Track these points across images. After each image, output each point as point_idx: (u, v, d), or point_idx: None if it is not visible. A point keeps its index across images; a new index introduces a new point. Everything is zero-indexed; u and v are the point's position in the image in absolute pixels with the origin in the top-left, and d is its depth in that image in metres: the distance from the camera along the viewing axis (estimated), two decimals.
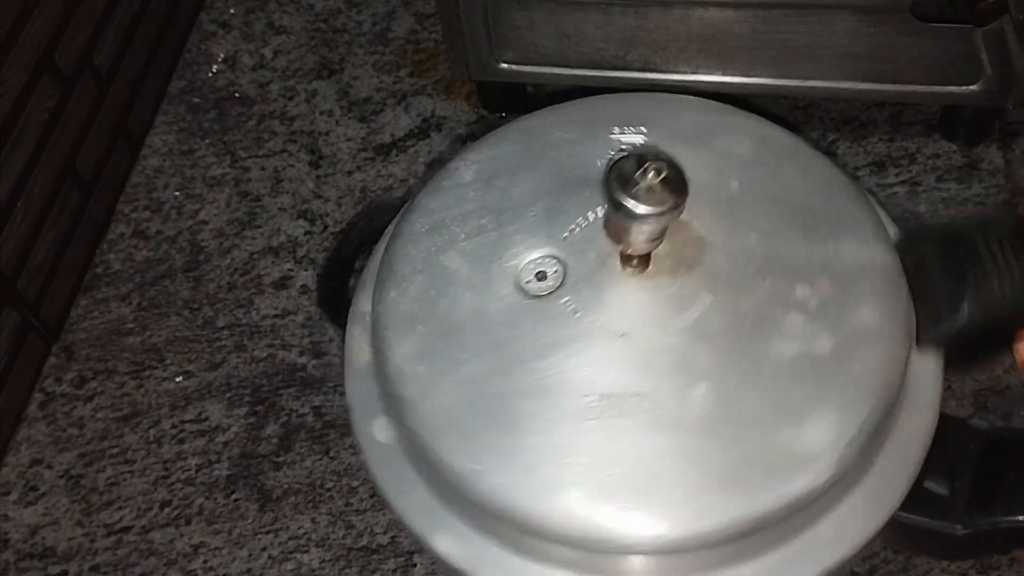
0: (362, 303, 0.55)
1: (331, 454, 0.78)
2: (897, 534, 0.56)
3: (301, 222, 0.92)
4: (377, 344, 0.50)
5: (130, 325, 0.87)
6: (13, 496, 0.78)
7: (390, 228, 0.57)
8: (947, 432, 0.57)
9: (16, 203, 0.81)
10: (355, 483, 0.77)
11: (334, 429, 0.79)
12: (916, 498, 0.54)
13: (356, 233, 0.69)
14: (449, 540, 0.48)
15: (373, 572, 0.73)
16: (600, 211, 0.50)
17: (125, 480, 0.78)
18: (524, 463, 0.45)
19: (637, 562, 0.47)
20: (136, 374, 0.84)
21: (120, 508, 0.77)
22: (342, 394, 0.81)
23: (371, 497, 0.76)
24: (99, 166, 0.92)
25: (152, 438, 0.80)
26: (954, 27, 0.79)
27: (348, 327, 0.56)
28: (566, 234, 0.50)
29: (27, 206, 0.82)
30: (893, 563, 0.70)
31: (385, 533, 0.74)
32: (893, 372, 0.48)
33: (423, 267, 0.51)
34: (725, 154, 0.53)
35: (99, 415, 0.82)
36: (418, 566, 0.73)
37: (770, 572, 0.47)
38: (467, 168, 0.54)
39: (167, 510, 0.77)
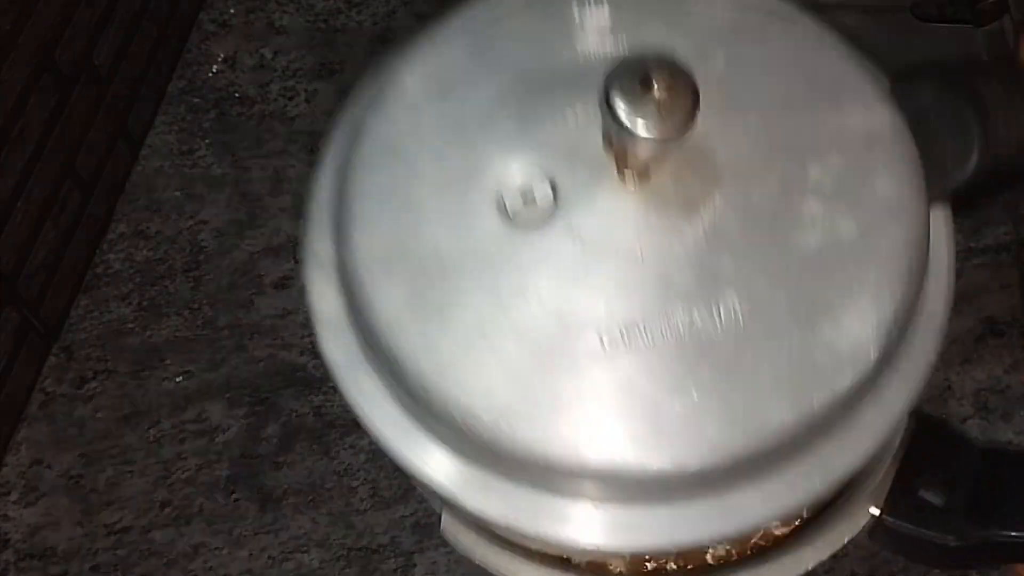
0: (316, 243, 0.48)
1: (331, 454, 0.78)
2: (891, 541, 0.56)
3: (302, 222, 0.92)
4: (353, 297, 0.45)
5: (130, 325, 0.87)
6: (13, 496, 0.78)
7: (327, 156, 0.50)
8: (947, 443, 0.58)
9: (16, 203, 0.81)
10: (355, 483, 0.77)
11: (334, 429, 0.79)
12: (911, 507, 0.55)
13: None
14: (489, 498, 0.44)
15: (373, 572, 0.73)
16: (580, 111, 0.43)
17: (125, 480, 0.78)
18: (556, 410, 0.41)
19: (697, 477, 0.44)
20: (136, 374, 0.84)
21: (120, 508, 0.77)
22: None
23: (371, 497, 0.76)
24: (99, 166, 0.92)
25: (152, 438, 0.80)
26: (954, 27, 0.79)
27: (305, 273, 0.49)
28: (547, 146, 0.43)
29: (27, 206, 0.82)
30: (893, 563, 0.70)
31: (385, 533, 0.74)
32: (920, 243, 0.45)
33: (387, 202, 0.45)
34: (702, 26, 0.47)
35: (99, 415, 0.82)
36: (418, 566, 0.73)
37: (820, 465, 0.45)
38: (413, 80, 0.47)
39: (167, 510, 0.77)
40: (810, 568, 0.53)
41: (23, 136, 0.81)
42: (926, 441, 0.57)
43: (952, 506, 0.54)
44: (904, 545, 0.56)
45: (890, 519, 0.54)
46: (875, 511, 0.55)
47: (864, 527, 0.54)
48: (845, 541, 0.53)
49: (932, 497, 0.55)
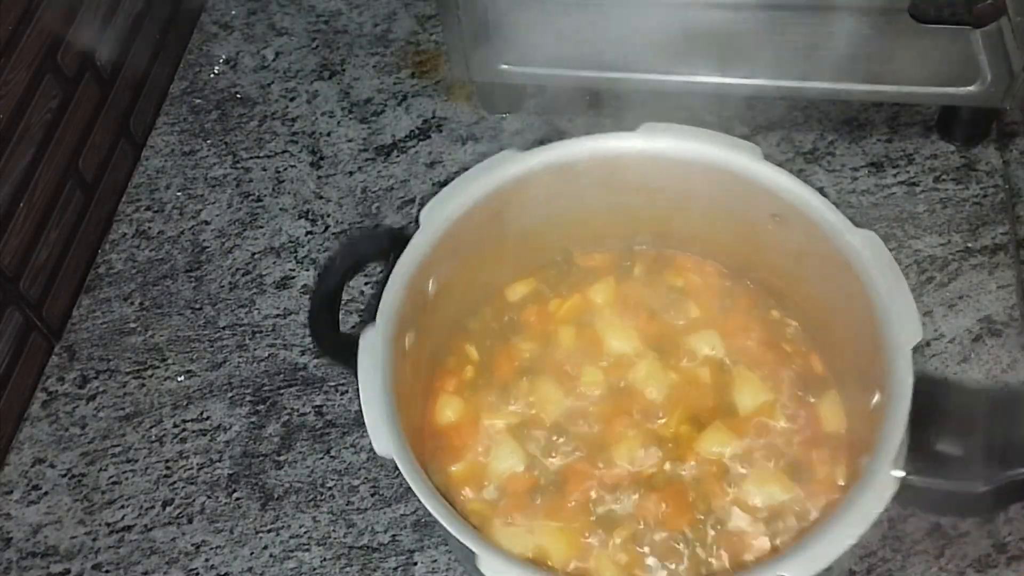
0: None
1: (332, 453, 0.78)
2: (921, 500, 0.56)
3: (302, 222, 0.92)
4: None
5: (132, 325, 0.87)
6: (15, 495, 0.78)
7: None
8: (950, 395, 0.58)
9: (19, 203, 0.81)
10: (356, 482, 0.77)
11: (335, 428, 0.80)
12: (932, 462, 0.55)
13: (338, 266, 0.69)
14: None
15: (374, 571, 0.73)
16: None
17: (127, 479, 0.79)
18: None
19: None
20: (138, 373, 0.84)
21: (122, 507, 0.77)
22: (343, 393, 0.81)
23: (372, 496, 0.76)
24: (101, 167, 0.93)
25: (154, 437, 0.81)
26: (952, 28, 0.79)
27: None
28: None
29: (30, 206, 0.82)
30: (891, 562, 0.70)
31: (386, 532, 0.75)
32: None
33: None
34: None
35: (101, 414, 0.82)
36: (419, 564, 0.73)
37: None
38: None
39: (169, 509, 0.77)
40: (852, 544, 0.53)
41: (26, 136, 0.81)
42: (932, 399, 0.57)
43: (971, 453, 0.55)
44: (935, 501, 0.57)
45: (915, 479, 0.54)
46: (899, 474, 0.55)
47: (893, 494, 0.55)
48: (879, 511, 0.54)
49: (950, 448, 0.55)
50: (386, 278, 0.65)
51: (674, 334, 0.73)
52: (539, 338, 0.74)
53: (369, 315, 0.64)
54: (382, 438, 0.59)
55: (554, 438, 0.69)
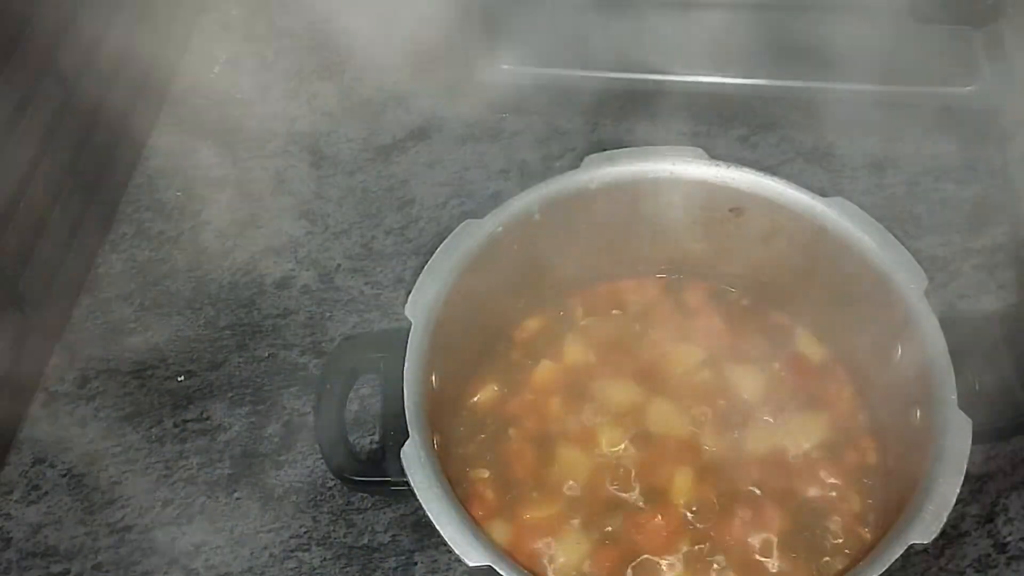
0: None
1: None
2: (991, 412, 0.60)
3: (303, 222, 0.92)
4: None
5: (132, 325, 0.87)
6: (16, 495, 0.78)
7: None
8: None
9: (19, 203, 0.81)
10: None
11: None
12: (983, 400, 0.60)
13: (331, 389, 0.68)
14: None
15: (374, 571, 0.73)
16: None
17: (127, 479, 0.79)
18: None
19: None
20: (138, 373, 0.84)
21: (122, 507, 0.77)
22: None
23: (372, 496, 0.76)
24: (101, 167, 0.93)
25: (154, 437, 0.80)
26: (952, 28, 0.79)
27: None
28: None
29: (30, 206, 0.82)
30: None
31: (386, 532, 0.75)
32: None
33: None
34: None
35: (101, 414, 0.82)
36: (419, 564, 0.73)
37: None
38: None
39: (169, 509, 0.77)
40: (958, 493, 0.56)
41: (26, 137, 0.81)
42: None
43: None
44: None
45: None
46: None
47: (972, 431, 0.57)
48: (967, 453, 0.56)
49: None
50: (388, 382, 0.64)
51: (658, 365, 0.73)
52: (534, 424, 0.72)
53: (387, 430, 0.63)
54: (470, 551, 0.57)
55: (609, 504, 0.67)
